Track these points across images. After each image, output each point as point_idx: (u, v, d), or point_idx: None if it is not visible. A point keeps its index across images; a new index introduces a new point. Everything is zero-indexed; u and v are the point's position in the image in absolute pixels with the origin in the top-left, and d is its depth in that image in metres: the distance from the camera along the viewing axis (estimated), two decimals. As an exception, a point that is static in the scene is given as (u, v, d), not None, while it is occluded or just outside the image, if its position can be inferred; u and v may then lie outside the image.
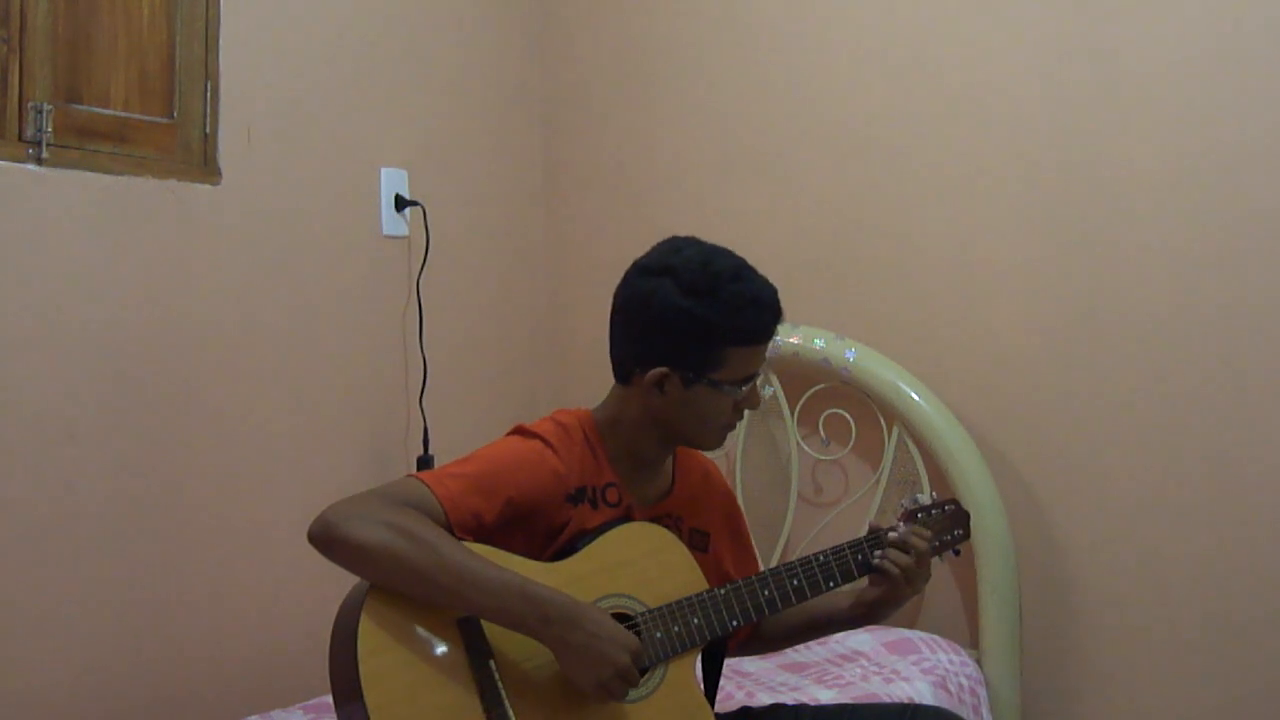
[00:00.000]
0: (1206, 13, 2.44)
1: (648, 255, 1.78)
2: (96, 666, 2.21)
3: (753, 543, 2.03)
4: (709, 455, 1.97)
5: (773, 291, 1.75)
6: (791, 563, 1.77)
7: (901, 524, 1.83)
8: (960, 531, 1.88)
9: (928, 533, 1.82)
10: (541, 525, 1.69)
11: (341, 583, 1.64)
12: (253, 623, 2.47)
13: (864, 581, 1.82)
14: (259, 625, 2.48)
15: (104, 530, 2.24)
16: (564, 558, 1.69)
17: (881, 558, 1.77)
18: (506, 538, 1.66)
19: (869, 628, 2.32)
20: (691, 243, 1.77)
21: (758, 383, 1.78)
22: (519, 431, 1.77)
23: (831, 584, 1.77)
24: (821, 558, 1.77)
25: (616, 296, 1.78)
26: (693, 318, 1.69)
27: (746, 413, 1.84)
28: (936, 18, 2.72)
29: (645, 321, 1.73)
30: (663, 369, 1.72)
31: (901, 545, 1.78)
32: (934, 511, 1.86)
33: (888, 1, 2.78)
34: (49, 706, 2.14)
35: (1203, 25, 2.44)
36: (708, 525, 1.88)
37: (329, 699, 2.20)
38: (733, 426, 1.80)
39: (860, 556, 1.79)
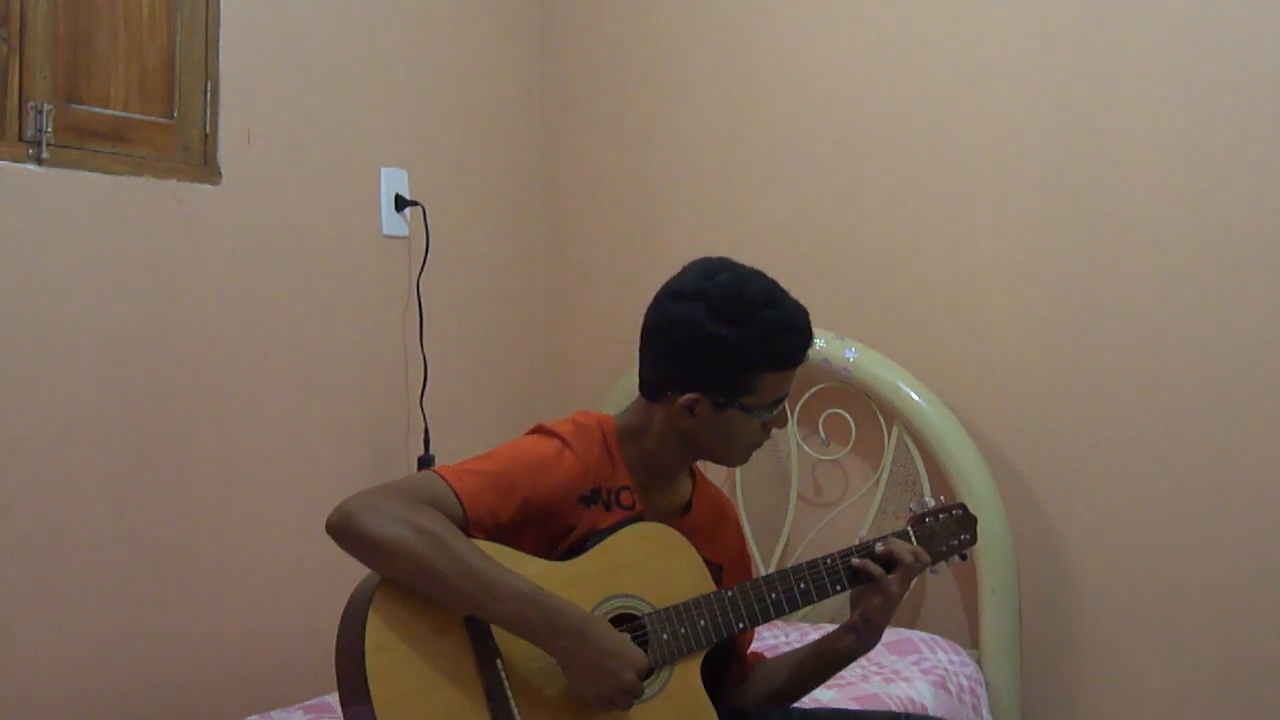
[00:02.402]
0: (1207, 5, 2.44)
1: (679, 278, 1.76)
2: (96, 667, 2.21)
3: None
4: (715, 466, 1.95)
5: (805, 314, 1.74)
6: (799, 566, 1.77)
7: (909, 528, 1.83)
8: (967, 536, 1.87)
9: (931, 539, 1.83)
10: (555, 525, 1.70)
11: (342, 584, 1.65)
12: (253, 623, 2.46)
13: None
14: (259, 625, 2.47)
15: (103, 530, 2.23)
16: (573, 556, 1.69)
17: (887, 544, 1.75)
18: (518, 535, 1.66)
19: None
20: (725, 266, 1.75)
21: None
22: (539, 430, 1.77)
23: (839, 587, 1.76)
24: (828, 561, 1.77)
25: (647, 319, 1.76)
26: (726, 345, 1.68)
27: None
28: (935, 18, 2.72)
29: (677, 346, 1.72)
30: (694, 395, 1.71)
31: (906, 538, 1.78)
32: (941, 516, 1.86)
33: (887, 3, 2.78)
34: (49, 707, 2.14)
35: (1204, 22, 2.44)
36: (721, 558, 1.86)
37: (329, 699, 2.19)
38: (760, 445, 1.80)
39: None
